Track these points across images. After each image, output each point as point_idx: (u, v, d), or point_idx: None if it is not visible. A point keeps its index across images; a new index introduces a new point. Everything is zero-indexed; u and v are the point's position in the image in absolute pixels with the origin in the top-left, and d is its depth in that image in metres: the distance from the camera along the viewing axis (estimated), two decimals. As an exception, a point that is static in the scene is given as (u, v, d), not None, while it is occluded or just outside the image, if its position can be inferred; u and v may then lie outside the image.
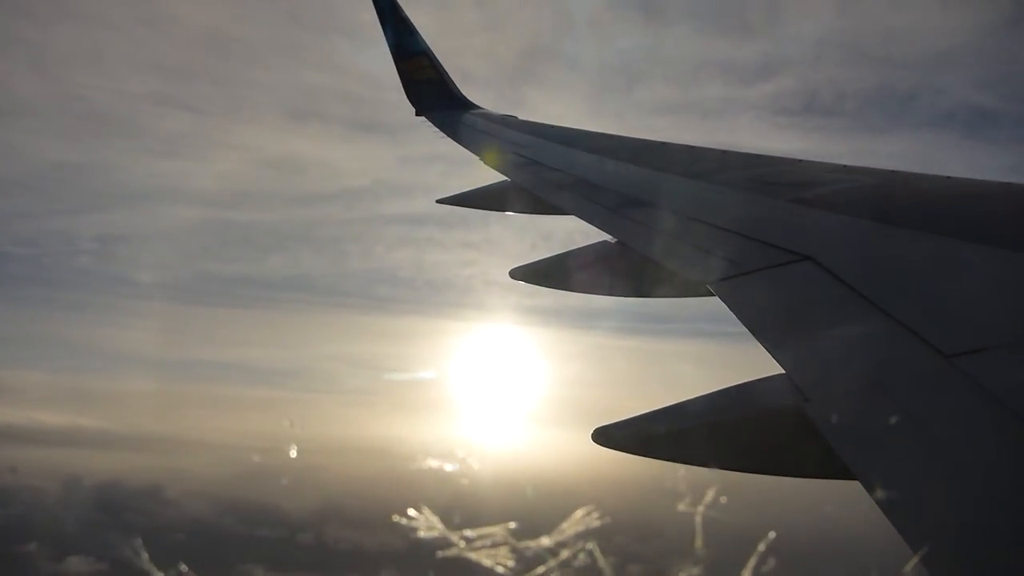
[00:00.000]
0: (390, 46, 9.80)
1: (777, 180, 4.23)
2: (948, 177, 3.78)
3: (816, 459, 1.99)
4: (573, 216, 4.77)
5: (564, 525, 1.97)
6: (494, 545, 1.96)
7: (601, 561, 1.91)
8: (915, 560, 1.49)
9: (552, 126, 7.71)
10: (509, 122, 8.54)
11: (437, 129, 8.74)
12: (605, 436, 2.51)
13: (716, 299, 2.96)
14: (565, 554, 1.91)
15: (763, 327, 2.63)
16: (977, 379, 1.90)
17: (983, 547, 1.53)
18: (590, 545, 1.93)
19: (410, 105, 9.87)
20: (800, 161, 4.67)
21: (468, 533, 1.99)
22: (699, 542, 1.96)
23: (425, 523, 2.04)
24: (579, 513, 2.00)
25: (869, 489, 1.71)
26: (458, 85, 10.00)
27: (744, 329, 2.64)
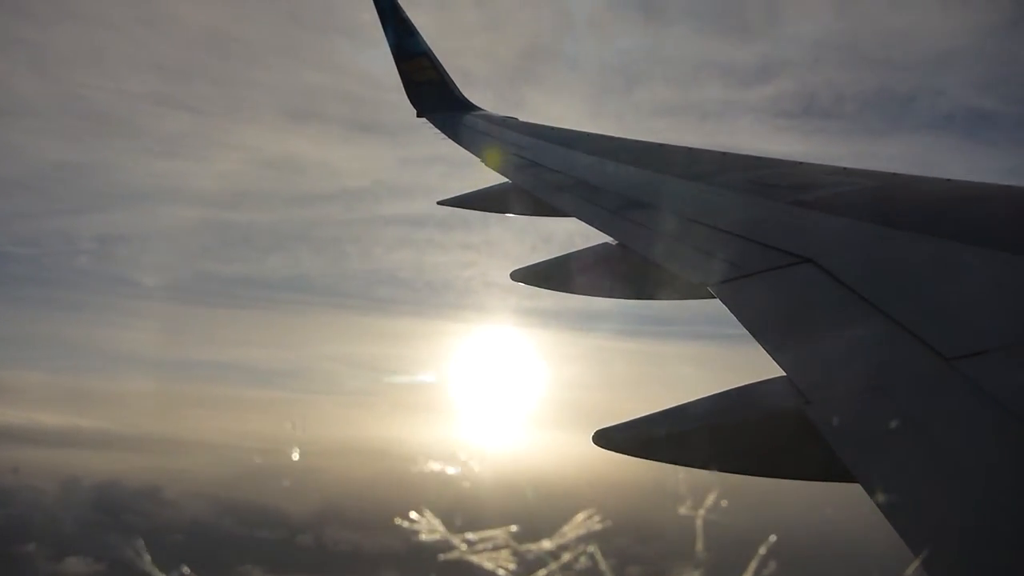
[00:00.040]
0: (391, 47, 9.81)
1: (777, 182, 4.24)
2: (948, 180, 3.79)
3: (817, 461, 2.00)
4: (574, 218, 4.77)
5: (565, 528, 1.97)
6: (495, 548, 1.96)
7: (602, 564, 1.91)
8: (916, 563, 1.50)
9: (553, 128, 7.72)
10: (510, 124, 8.55)
11: (438, 131, 8.75)
12: (606, 438, 2.51)
13: (717, 301, 2.96)
14: (567, 557, 1.91)
15: (764, 329, 2.63)
16: (977, 382, 1.90)
17: (984, 550, 1.53)
18: (591, 548, 1.93)
19: (411, 106, 9.89)
20: (800, 163, 4.68)
21: (470, 536, 1.99)
22: (700, 545, 1.96)
23: (426, 526, 2.04)
24: (580, 516, 2.00)
25: (870, 492, 1.71)
26: (458, 85, 10.02)
27: (745, 331, 2.64)
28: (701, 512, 1.98)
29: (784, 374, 2.32)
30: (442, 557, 1.98)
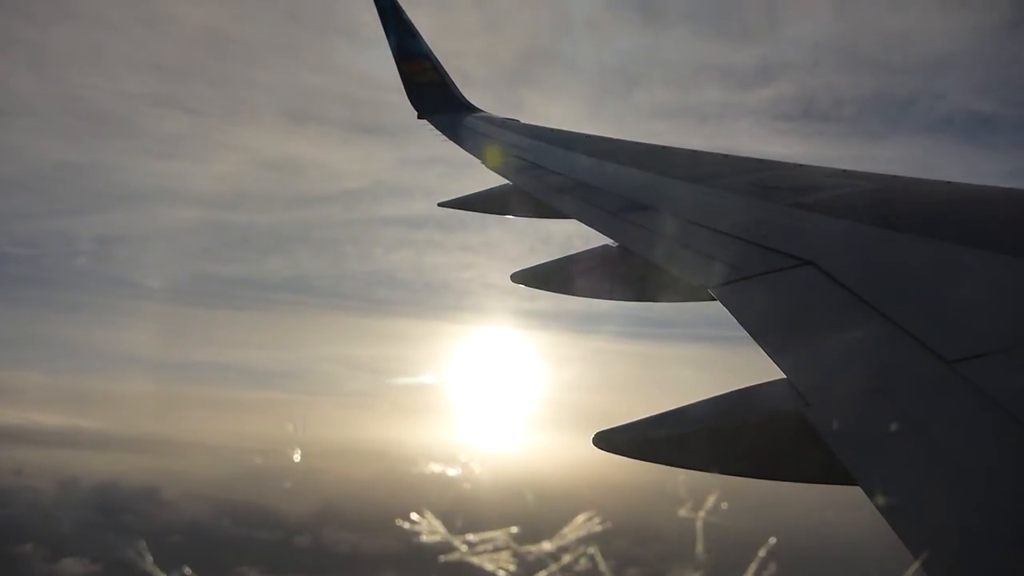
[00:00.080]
0: (392, 48, 9.81)
1: (778, 184, 4.24)
2: (948, 182, 3.80)
3: (817, 464, 1.99)
4: (573, 220, 4.78)
5: (566, 530, 1.97)
6: (496, 549, 1.96)
7: (602, 566, 1.91)
8: (916, 565, 1.50)
9: (553, 130, 7.73)
10: (511, 126, 8.56)
11: (439, 132, 8.75)
12: (606, 440, 2.51)
13: (717, 303, 2.96)
14: (567, 559, 1.91)
15: (764, 331, 2.63)
16: (978, 384, 1.91)
17: (984, 552, 1.53)
18: (592, 550, 1.93)
19: (411, 107, 9.89)
20: (801, 166, 4.68)
21: (470, 537, 1.99)
22: (699, 547, 1.96)
23: (427, 527, 2.04)
24: (580, 518, 2.00)
25: (870, 494, 1.71)
26: (457, 87, 10.03)
27: (745, 333, 2.64)
28: (701, 515, 1.98)
29: (784, 376, 2.32)
30: (443, 558, 1.98)
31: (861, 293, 2.58)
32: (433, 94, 9.76)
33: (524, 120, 8.72)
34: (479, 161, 7.04)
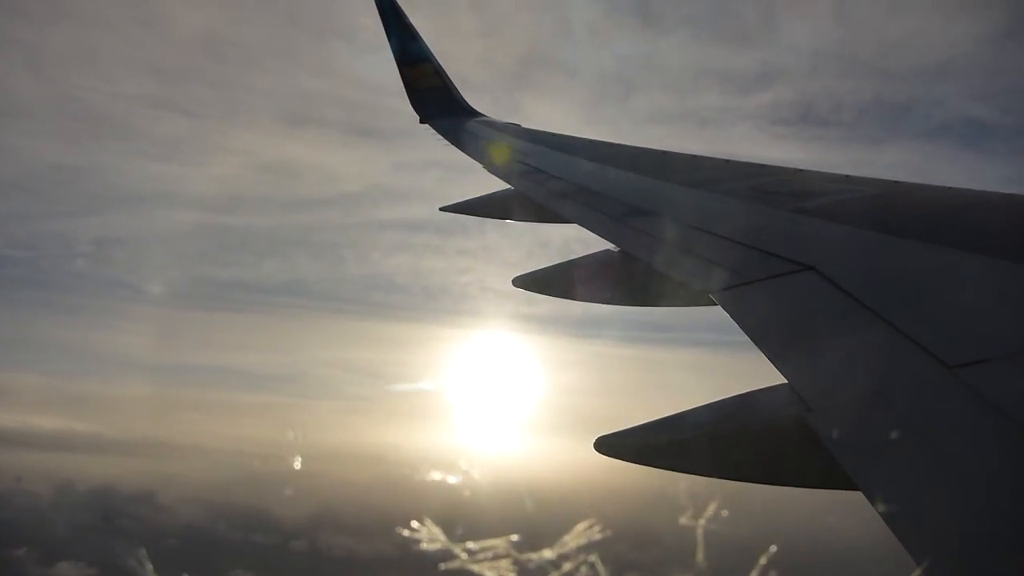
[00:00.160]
0: (394, 53, 9.83)
1: (779, 190, 4.25)
2: (949, 188, 3.80)
3: (818, 469, 1.99)
4: (572, 224, 4.78)
5: (566, 538, 1.97)
6: (496, 557, 1.96)
7: (603, 574, 1.90)
8: (918, 572, 1.49)
9: (554, 134, 7.75)
10: (512, 130, 8.58)
11: (441, 137, 8.77)
12: (607, 445, 2.51)
13: (718, 308, 2.96)
14: (567, 566, 1.91)
15: (765, 337, 2.63)
16: (979, 390, 1.91)
17: (985, 558, 1.53)
18: (592, 557, 1.93)
19: (412, 112, 9.91)
20: (802, 171, 4.69)
21: (471, 545, 1.99)
22: (700, 552, 1.96)
23: (427, 535, 2.04)
24: (581, 526, 2.00)
25: (872, 500, 1.71)
26: (459, 91, 10.04)
27: (746, 338, 2.64)
28: (701, 522, 1.98)
29: (786, 381, 2.32)
30: (443, 566, 1.98)
31: (862, 298, 2.59)
32: (435, 98, 9.77)
33: (522, 125, 8.75)
34: (479, 165, 7.05)
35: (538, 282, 4.43)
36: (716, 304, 3.01)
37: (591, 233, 4.42)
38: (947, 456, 1.78)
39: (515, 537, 2.00)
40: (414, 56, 9.83)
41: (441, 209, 6.34)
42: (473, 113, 9.75)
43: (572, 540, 1.98)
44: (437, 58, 9.98)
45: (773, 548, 1.84)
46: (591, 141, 7.16)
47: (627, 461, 2.48)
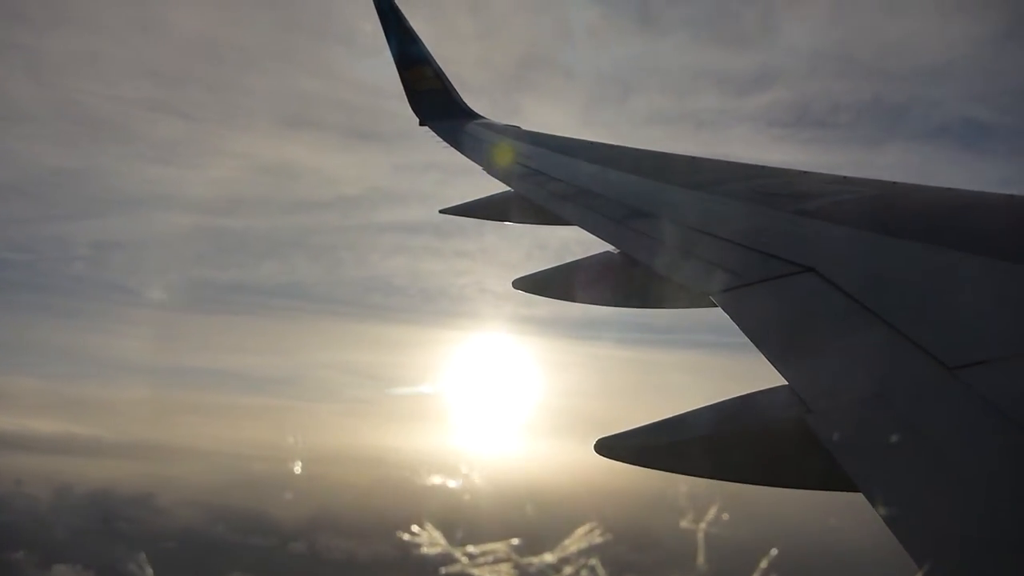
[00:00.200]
0: (393, 55, 9.84)
1: (779, 191, 4.26)
2: (949, 189, 3.81)
3: (819, 471, 1.99)
4: (571, 226, 4.78)
5: (567, 541, 1.97)
6: (497, 561, 1.96)
7: None
8: (919, 573, 1.49)
9: (555, 136, 7.75)
10: (512, 132, 8.58)
11: (440, 139, 8.77)
12: (607, 447, 2.51)
13: (718, 310, 2.97)
14: (568, 570, 1.91)
15: (765, 338, 2.63)
16: (979, 391, 1.91)
17: (986, 560, 1.53)
18: (593, 561, 1.93)
19: (411, 114, 9.91)
20: (801, 172, 4.70)
21: (471, 549, 1.99)
22: (700, 554, 1.96)
23: (427, 539, 2.04)
24: (581, 530, 2.00)
25: (872, 501, 1.71)
26: (458, 94, 10.05)
27: (746, 340, 2.64)
28: (702, 524, 1.97)
29: (786, 383, 2.32)
30: (444, 570, 1.98)
31: (862, 299, 2.59)
32: (434, 101, 9.78)
33: (522, 127, 8.75)
34: (478, 167, 7.05)
35: (538, 284, 4.43)
36: (716, 306, 3.01)
37: (589, 235, 4.43)
38: (947, 457, 1.79)
39: (516, 541, 2.00)
40: (413, 58, 9.84)
41: (441, 211, 6.34)
42: (473, 115, 9.76)
43: (573, 544, 1.98)
44: (436, 60, 9.99)
45: (774, 551, 1.84)
46: (591, 143, 7.17)
47: (627, 463, 2.48)
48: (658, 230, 4.20)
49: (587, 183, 5.66)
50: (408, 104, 9.88)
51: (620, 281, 3.92)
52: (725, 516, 1.97)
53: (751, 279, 3.08)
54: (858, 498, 1.78)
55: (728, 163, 5.34)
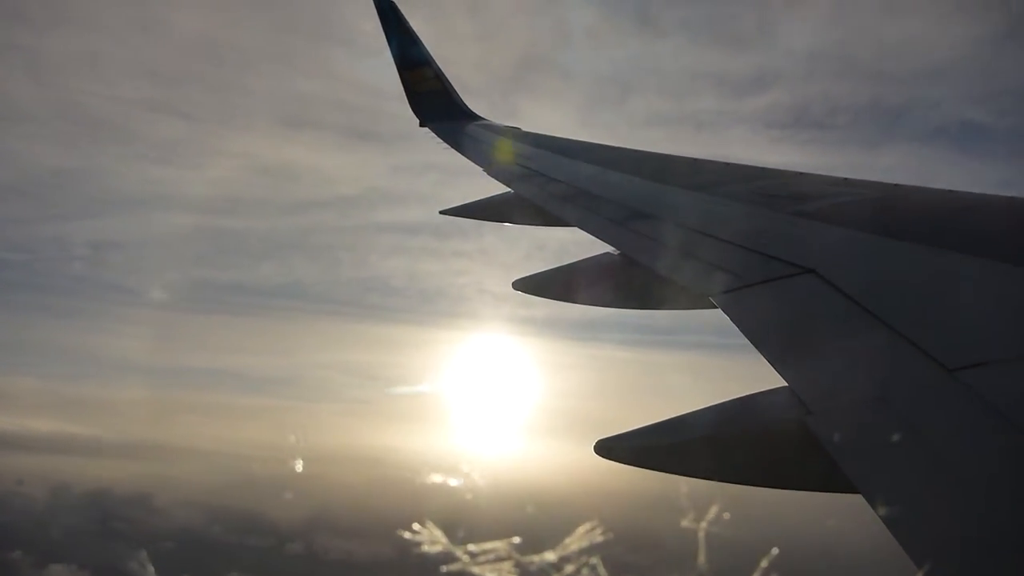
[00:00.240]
0: (394, 56, 9.84)
1: (779, 193, 4.26)
2: (950, 191, 3.81)
3: (819, 472, 1.99)
4: (571, 228, 4.78)
5: (568, 540, 1.97)
6: (498, 560, 1.96)
7: None
8: (919, 575, 1.49)
9: (555, 138, 7.76)
10: (512, 134, 8.59)
11: (441, 140, 8.78)
12: (607, 449, 2.51)
13: (719, 311, 2.97)
14: (569, 569, 1.91)
15: (766, 339, 2.63)
16: (979, 392, 1.91)
17: (986, 561, 1.53)
18: (594, 560, 1.93)
19: (410, 115, 9.91)
20: (801, 174, 4.70)
21: (472, 548, 1.99)
22: (701, 555, 1.96)
23: (428, 537, 2.04)
24: (582, 528, 2.00)
25: (872, 503, 1.71)
26: (459, 95, 10.05)
27: (746, 341, 2.65)
28: (702, 525, 1.97)
29: (786, 384, 2.32)
30: (444, 568, 1.97)
31: (862, 301, 2.59)
32: (435, 102, 9.78)
33: (522, 128, 8.76)
34: (477, 168, 7.05)
35: (539, 285, 4.43)
36: (716, 307, 3.01)
37: (587, 236, 4.43)
38: (946, 459, 1.79)
39: (516, 539, 2.00)
40: (414, 60, 9.84)
41: (441, 212, 6.34)
42: (473, 116, 9.77)
43: (574, 542, 1.98)
44: (436, 62, 9.99)
45: (775, 551, 1.84)
46: (591, 145, 7.18)
47: (627, 464, 2.48)
48: (658, 231, 4.21)
49: (587, 184, 5.66)
50: (408, 105, 9.89)
51: (620, 282, 3.93)
52: (726, 515, 1.97)
53: (751, 280, 3.08)
54: (858, 500, 1.78)
55: (728, 165, 5.35)
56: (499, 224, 5.93)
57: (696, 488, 2.25)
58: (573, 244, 4.48)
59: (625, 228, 4.38)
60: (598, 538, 1.98)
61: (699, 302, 3.26)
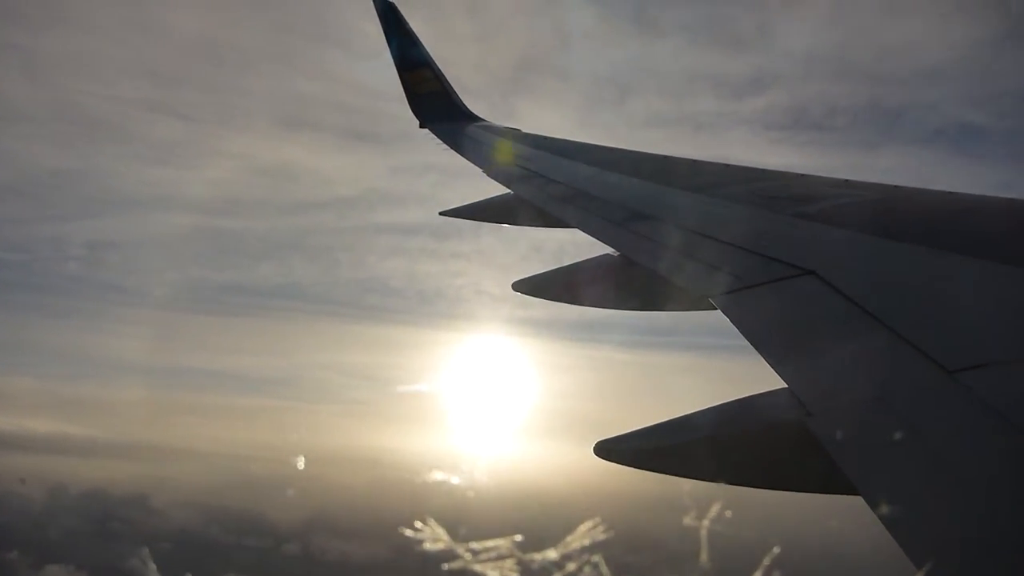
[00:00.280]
0: (394, 58, 9.85)
1: (779, 194, 4.26)
2: (950, 192, 3.82)
3: (819, 474, 2.00)
4: (570, 229, 4.79)
5: (569, 538, 1.97)
6: (500, 558, 1.95)
7: (606, 575, 1.90)
8: None
9: (555, 139, 7.76)
10: (512, 135, 8.59)
11: (440, 141, 8.78)
12: (607, 450, 2.51)
13: (719, 313, 2.97)
14: (571, 567, 1.91)
15: (766, 341, 2.64)
16: (979, 394, 1.91)
17: (986, 562, 1.53)
18: (596, 558, 1.93)
19: (409, 116, 9.92)
20: (802, 175, 4.71)
21: (473, 546, 1.98)
22: (703, 556, 1.96)
23: (430, 535, 2.03)
24: (584, 527, 2.00)
25: (872, 504, 1.72)
26: (459, 96, 10.05)
27: (746, 343, 2.65)
28: (704, 524, 1.97)
29: (786, 386, 2.32)
30: (446, 566, 1.97)
31: (863, 303, 2.59)
32: (435, 103, 9.79)
33: (521, 129, 8.76)
34: (476, 169, 7.05)
35: (538, 286, 4.43)
36: (716, 308, 3.02)
37: (586, 237, 4.43)
38: (946, 460, 1.79)
39: (518, 537, 2.00)
40: (414, 61, 9.85)
41: (441, 213, 6.33)
42: (473, 118, 9.77)
43: (575, 541, 1.98)
44: (436, 63, 9.99)
45: (776, 550, 1.84)
46: (591, 146, 7.18)
47: (627, 465, 2.48)
48: (658, 233, 4.21)
49: (587, 186, 5.66)
50: (408, 106, 9.89)
51: (619, 283, 3.93)
52: (727, 514, 1.97)
53: (751, 282, 3.09)
54: (858, 501, 1.78)
55: (728, 166, 5.36)
56: (498, 225, 5.93)
57: (696, 490, 2.25)
58: (572, 245, 4.48)
59: (624, 229, 4.39)
60: (600, 536, 1.97)
61: (699, 303, 3.26)
